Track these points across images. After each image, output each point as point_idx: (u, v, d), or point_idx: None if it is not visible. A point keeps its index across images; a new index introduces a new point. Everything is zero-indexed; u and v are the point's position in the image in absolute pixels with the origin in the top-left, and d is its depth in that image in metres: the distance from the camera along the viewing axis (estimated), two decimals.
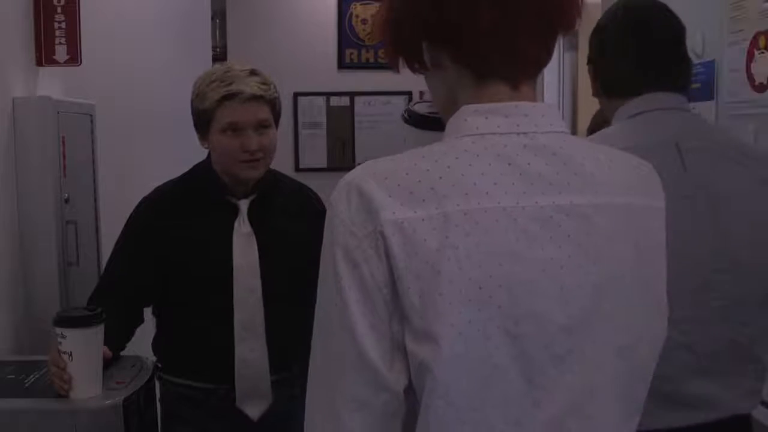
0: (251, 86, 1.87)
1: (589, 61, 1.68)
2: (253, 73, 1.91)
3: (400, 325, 0.84)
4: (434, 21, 0.92)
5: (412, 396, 0.86)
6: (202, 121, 1.92)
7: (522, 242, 0.85)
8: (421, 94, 5.67)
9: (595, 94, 1.70)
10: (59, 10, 2.19)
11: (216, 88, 1.87)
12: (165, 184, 2.04)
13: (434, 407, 0.84)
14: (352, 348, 0.84)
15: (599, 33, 1.66)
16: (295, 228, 2.00)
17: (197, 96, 1.92)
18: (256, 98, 1.87)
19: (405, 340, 0.84)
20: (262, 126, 1.90)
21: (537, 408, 0.87)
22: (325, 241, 0.88)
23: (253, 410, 1.95)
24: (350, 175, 0.88)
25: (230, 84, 1.86)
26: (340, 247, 0.85)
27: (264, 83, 1.90)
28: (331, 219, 0.87)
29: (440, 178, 0.85)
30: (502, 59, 0.92)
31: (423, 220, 0.83)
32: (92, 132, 2.43)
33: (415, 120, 1.86)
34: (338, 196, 0.87)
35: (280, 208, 2.01)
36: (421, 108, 1.93)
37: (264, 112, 1.90)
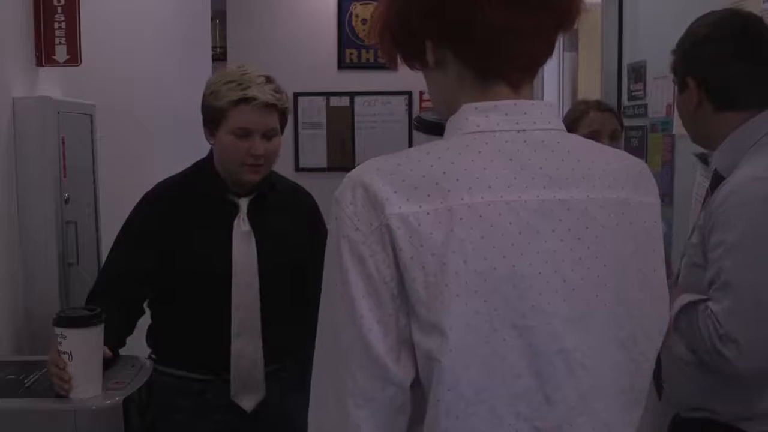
0: (266, 94, 1.91)
1: (689, 75, 1.63)
2: (268, 80, 1.95)
3: (407, 318, 0.85)
4: (441, 19, 0.92)
5: (419, 391, 0.87)
6: (213, 119, 1.94)
7: (525, 235, 0.87)
8: (421, 93, 5.67)
9: (695, 107, 1.64)
10: (59, 10, 2.19)
11: (233, 89, 1.90)
12: (166, 180, 2.06)
13: (443, 399, 0.84)
14: (359, 343, 0.84)
15: (709, 42, 1.62)
16: (292, 227, 2.03)
17: (212, 93, 1.94)
18: (269, 106, 1.92)
19: (412, 333, 0.85)
20: (269, 133, 1.94)
21: (550, 405, 0.88)
22: (330, 236, 0.88)
23: (247, 403, 1.97)
24: (355, 172, 0.89)
25: (247, 88, 1.90)
26: (346, 242, 0.85)
27: (277, 91, 1.95)
28: (336, 215, 0.87)
29: (444, 173, 0.86)
30: (507, 59, 0.92)
31: (428, 214, 0.84)
32: (92, 132, 2.43)
33: (424, 126, 1.94)
34: (343, 192, 0.88)
35: (278, 208, 2.04)
36: (429, 116, 2.01)
37: (274, 120, 1.95)
